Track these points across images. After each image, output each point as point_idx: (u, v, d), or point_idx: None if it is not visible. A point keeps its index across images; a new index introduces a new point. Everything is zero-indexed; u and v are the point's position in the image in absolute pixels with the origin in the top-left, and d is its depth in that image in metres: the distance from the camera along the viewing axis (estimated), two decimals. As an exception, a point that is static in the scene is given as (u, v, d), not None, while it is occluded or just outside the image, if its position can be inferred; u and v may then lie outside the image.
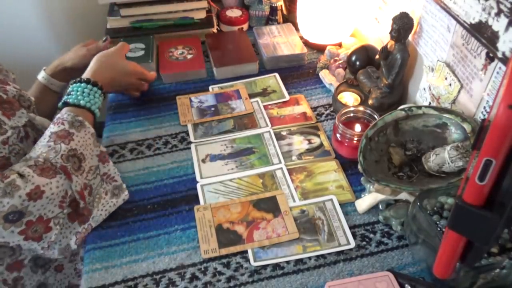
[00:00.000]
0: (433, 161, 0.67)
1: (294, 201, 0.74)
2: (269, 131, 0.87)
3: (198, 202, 0.74)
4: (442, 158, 0.65)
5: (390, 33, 0.82)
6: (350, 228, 0.69)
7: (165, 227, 0.71)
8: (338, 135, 0.79)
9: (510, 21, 0.57)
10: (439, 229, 0.57)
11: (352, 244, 0.67)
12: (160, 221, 0.72)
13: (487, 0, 0.61)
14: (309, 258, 0.66)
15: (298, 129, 0.88)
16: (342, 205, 0.73)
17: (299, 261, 0.66)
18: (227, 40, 1.11)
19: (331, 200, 0.73)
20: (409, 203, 0.68)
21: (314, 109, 0.93)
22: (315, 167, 0.79)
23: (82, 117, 0.73)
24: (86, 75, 0.82)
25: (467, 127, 0.67)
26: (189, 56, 1.05)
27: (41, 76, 0.95)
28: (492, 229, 0.40)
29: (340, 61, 0.99)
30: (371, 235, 0.69)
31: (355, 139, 0.76)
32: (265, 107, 0.93)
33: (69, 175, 0.65)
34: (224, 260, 0.66)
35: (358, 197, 0.74)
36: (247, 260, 0.66)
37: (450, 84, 0.74)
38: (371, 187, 0.72)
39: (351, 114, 0.81)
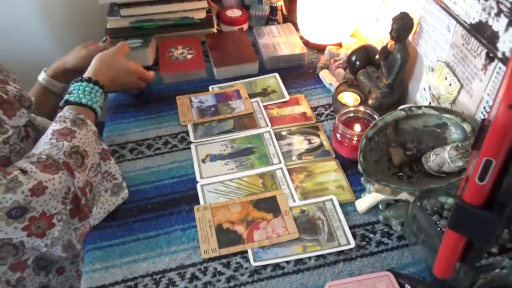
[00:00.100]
0: (433, 161, 0.67)
1: (294, 201, 0.74)
2: (269, 131, 0.87)
3: (198, 202, 0.74)
4: (442, 158, 0.65)
5: (390, 33, 0.82)
6: (350, 228, 0.69)
7: (165, 227, 0.71)
8: (338, 135, 0.79)
9: (510, 21, 0.57)
10: (439, 229, 0.57)
11: (352, 244, 0.67)
12: (160, 221, 0.72)
13: (487, 0, 0.61)
14: (309, 258, 0.66)
15: (298, 129, 0.88)
16: (342, 205, 0.73)
17: (299, 261, 0.66)
18: (227, 40, 1.11)
19: (331, 200, 0.73)
20: (409, 203, 0.68)
21: (314, 109, 0.93)
22: (315, 167, 0.79)
23: (83, 115, 0.74)
24: (87, 74, 0.82)
25: (467, 127, 0.67)
26: (189, 56, 1.05)
27: (42, 77, 0.95)
28: (492, 229, 0.40)
29: (340, 61, 0.99)
30: (371, 235, 0.69)
31: (355, 139, 0.76)
32: (265, 107, 0.93)
33: (71, 171, 0.65)
34: (224, 260, 0.66)
35: (358, 197, 0.74)
36: (247, 260, 0.66)
37: (450, 84, 0.74)
38: (371, 187, 0.72)
39: (351, 114, 0.81)
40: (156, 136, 0.87)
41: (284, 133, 0.87)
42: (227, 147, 0.84)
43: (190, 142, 0.85)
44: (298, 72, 1.04)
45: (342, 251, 0.66)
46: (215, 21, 1.15)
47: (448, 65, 0.74)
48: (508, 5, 0.57)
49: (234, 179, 0.78)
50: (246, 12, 1.19)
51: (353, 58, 0.95)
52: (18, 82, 0.83)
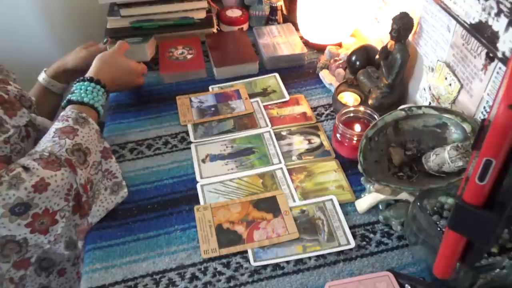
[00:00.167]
0: (433, 161, 0.67)
1: (294, 201, 0.74)
2: (269, 131, 0.87)
3: (198, 202, 0.74)
4: (442, 158, 0.65)
5: (390, 33, 0.82)
6: (350, 228, 0.69)
7: (165, 227, 0.71)
8: (338, 135, 0.79)
9: (510, 21, 0.57)
10: (439, 229, 0.57)
11: (352, 244, 0.67)
12: (160, 221, 0.72)
13: (487, 0, 0.61)
14: (309, 258, 0.66)
15: (298, 129, 0.88)
16: (342, 205, 0.73)
17: (299, 261, 0.66)
18: (227, 40, 1.11)
19: (331, 200, 0.73)
20: (409, 203, 0.68)
21: (314, 109, 0.93)
22: (315, 167, 0.79)
23: (86, 114, 0.74)
24: (89, 74, 0.83)
25: (467, 127, 0.67)
26: (189, 56, 1.05)
27: (42, 77, 0.95)
28: (492, 229, 0.40)
29: (340, 61, 0.99)
30: (371, 235, 0.69)
31: (355, 139, 0.76)
32: (265, 107, 0.93)
33: (73, 168, 0.66)
34: (224, 260, 0.66)
35: (358, 197, 0.74)
36: (247, 260, 0.66)
37: (450, 84, 0.74)
38: (371, 187, 0.72)
39: (351, 114, 0.81)
40: (156, 136, 0.87)
41: (284, 133, 0.87)
42: (227, 147, 0.84)
43: (190, 142, 0.85)
44: (298, 72, 1.04)
45: (342, 251, 0.66)
46: (215, 21, 1.15)
47: (448, 65, 0.74)
48: (508, 5, 0.57)
49: (234, 179, 0.78)
50: (246, 12, 1.19)
51: (353, 58, 0.95)
52: (18, 82, 0.83)
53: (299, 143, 0.84)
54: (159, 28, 1.09)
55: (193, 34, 1.12)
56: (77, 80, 0.81)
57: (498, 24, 0.60)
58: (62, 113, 0.74)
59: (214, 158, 0.82)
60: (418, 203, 0.61)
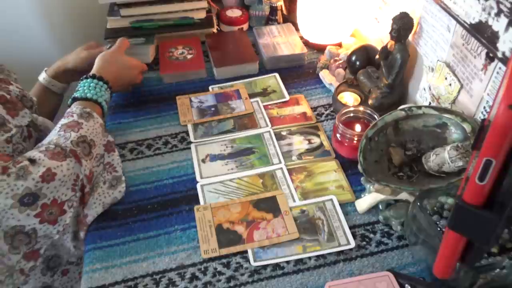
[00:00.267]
0: (433, 161, 0.67)
1: (294, 201, 0.74)
2: (269, 131, 0.87)
3: (198, 202, 0.74)
4: (442, 158, 0.65)
5: (390, 33, 0.82)
6: (350, 228, 0.69)
7: (165, 227, 0.71)
8: (338, 135, 0.79)
9: (510, 21, 0.57)
10: (439, 229, 0.57)
11: (352, 244, 0.67)
12: (160, 221, 0.72)
13: (487, 0, 0.61)
14: (309, 258, 0.66)
15: (298, 129, 0.88)
16: (342, 205, 0.73)
17: (299, 261, 0.66)
18: (227, 40, 1.11)
19: (331, 200, 0.73)
20: (409, 203, 0.68)
21: (314, 109, 0.93)
22: (315, 167, 0.79)
23: (90, 109, 0.76)
24: (91, 72, 0.84)
25: (467, 127, 0.67)
26: (189, 56, 1.05)
27: (42, 77, 0.95)
28: (492, 229, 0.40)
29: (340, 61, 0.99)
30: (371, 235, 0.69)
31: (355, 139, 0.77)
32: (265, 107, 0.93)
33: (78, 159, 0.67)
34: (224, 260, 0.66)
35: (358, 197, 0.74)
36: (247, 260, 0.66)
37: (450, 84, 0.74)
38: (371, 187, 0.72)
39: (351, 114, 0.81)
40: (156, 136, 0.87)
41: (284, 133, 0.87)
42: (227, 147, 0.84)
43: (190, 142, 0.85)
44: (298, 72, 1.04)
45: (342, 251, 0.66)
46: (215, 21, 1.15)
47: (448, 65, 0.74)
48: (508, 5, 0.57)
49: (234, 179, 0.78)
50: (246, 12, 1.19)
51: (353, 58, 0.95)
52: (19, 82, 0.83)
53: (299, 143, 0.84)
54: (159, 28, 1.09)
55: (193, 34, 1.12)
56: (81, 78, 0.83)
57: (498, 24, 0.60)
58: (67, 110, 0.76)
59: (214, 158, 0.82)
60: (418, 203, 0.61)
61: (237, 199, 0.74)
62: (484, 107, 0.66)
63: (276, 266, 0.65)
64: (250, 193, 0.75)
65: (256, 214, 0.71)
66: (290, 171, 0.79)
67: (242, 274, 0.64)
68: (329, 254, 0.66)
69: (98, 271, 0.65)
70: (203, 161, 0.81)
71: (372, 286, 0.59)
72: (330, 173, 0.78)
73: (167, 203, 0.75)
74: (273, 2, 1.16)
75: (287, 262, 0.66)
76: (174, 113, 0.93)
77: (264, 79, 1.01)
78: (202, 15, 1.11)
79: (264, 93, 0.97)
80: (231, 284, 0.63)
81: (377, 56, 0.88)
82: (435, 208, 0.60)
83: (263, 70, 1.04)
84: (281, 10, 1.19)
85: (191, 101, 0.95)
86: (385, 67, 0.85)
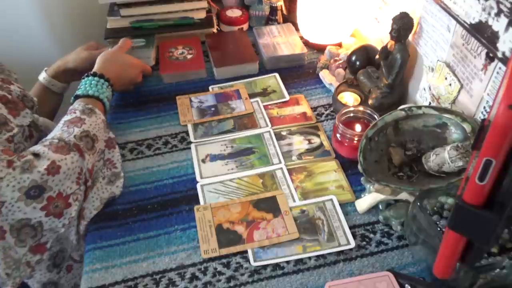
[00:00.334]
0: (433, 161, 0.67)
1: (294, 201, 0.74)
2: (269, 131, 0.87)
3: (198, 202, 0.74)
4: (442, 158, 0.65)
5: (390, 33, 0.82)
6: (350, 228, 0.69)
7: (165, 227, 0.71)
8: (338, 135, 0.79)
9: (510, 21, 0.57)
10: (439, 229, 0.57)
11: (352, 244, 0.67)
12: (160, 221, 0.72)
13: (487, 0, 0.61)
14: (309, 258, 0.66)
15: (298, 129, 0.88)
16: (342, 205, 0.73)
17: (299, 261, 0.66)
18: (227, 40, 1.11)
19: (331, 200, 0.73)
20: (409, 203, 0.68)
21: (314, 109, 0.93)
22: (315, 167, 0.79)
23: (92, 105, 0.77)
24: (93, 71, 0.85)
25: (467, 127, 0.67)
26: (189, 56, 1.05)
27: (42, 77, 0.95)
28: (492, 229, 0.40)
29: (340, 61, 0.99)
30: (371, 235, 0.69)
31: (355, 139, 0.77)
32: (265, 107, 0.93)
33: (82, 153, 0.68)
34: (224, 260, 0.66)
35: (358, 197, 0.74)
36: (247, 260, 0.66)
37: (450, 84, 0.74)
38: (371, 187, 0.72)
39: (351, 114, 0.81)
40: (156, 136, 0.87)
41: (284, 133, 0.87)
42: (227, 147, 0.84)
43: (190, 142, 0.85)
44: (298, 72, 1.04)
45: (342, 251, 0.66)
46: (215, 21, 1.15)
47: (448, 65, 0.74)
48: (508, 5, 0.57)
49: (234, 179, 0.78)
50: (246, 12, 1.19)
51: (353, 58, 0.95)
52: (19, 82, 0.83)
53: (299, 143, 0.84)
54: (159, 28, 1.09)
55: (193, 34, 1.12)
56: (82, 77, 0.83)
57: (498, 24, 0.60)
58: (70, 107, 0.77)
59: (214, 158, 0.82)
60: (418, 203, 0.61)
61: (237, 199, 0.74)
62: (484, 107, 0.66)
63: (276, 266, 0.65)
64: (250, 193, 0.75)
65: (256, 214, 0.71)
66: (290, 171, 0.79)
67: (242, 274, 0.64)
68: (329, 254, 0.66)
69: (98, 271, 0.65)
70: (203, 161, 0.81)
71: (372, 286, 0.59)
72: (330, 173, 0.78)
73: (167, 203, 0.75)
74: (273, 2, 1.16)
75: (287, 262, 0.66)
76: (174, 113, 0.93)
77: (264, 79, 1.01)
78: (202, 15, 1.11)
79: (264, 93, 0.97)
80: (231, 284, 0.63)
81: (377, 56, 0.88)
82: (435, 208, 0.60)
83: (263, 70, 1.04)
84: (281, 10, 1.19)
85: (191, 101, 0.95)
86: (385, 67, 0.85)
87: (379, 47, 0.89)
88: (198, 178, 0.78)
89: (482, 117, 0.67)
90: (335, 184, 0.76)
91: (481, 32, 0.64)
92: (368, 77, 0.90)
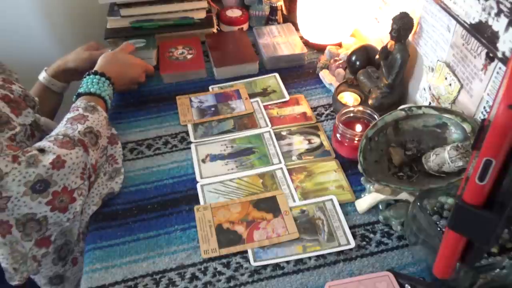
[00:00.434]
0: (433, 161, 0.67)
1: (294, 201, 0.74)
2: (269, 131, 0.87)
3: (198, 202, 0.74)
4: (442, 158, 0.65)
5: (390, 33, 0.82)
6: (350, 228, 0.69)
7: (165, 227, 0.71)
8: (338, 135, 0.79)
9: (510, 21, 0.57)
10: (439, 229, 0.57)
11: (352, 244, 0.67)
12: (160, 221, 0.72)
13: (487, 0, 0.61)
14: (309, 258, 0.66)
15: (298, 129, 0.88)
16: (342, 205, 0.73)
17: (299, 261, 0.66)
18: (227, 40, 1.11)
19: (331, 200, 0.73)
20: (409, 203, 0.68)
21: (314, 109, 0.93)
22: (315, 167, 0.79)
23: (94, 103, 0.78)
24: (94, 69, 0.86)
25: (467, 127, 0.67)
26: (189, 56, 1.05)
27: (42, 76, 0.95)
28: (492, 229, 0.40)
29: (340, 61, 0.99)
30: (371, 235, 0.69)
31: (355, 139, 0.77)
32: (265, 107, 0.93)
33: (86, 148, 0.69)
34: (224, 260, 0.66)
35: (358, 197, 0.74)
36: (247, 260, 0.66)
37: (450, 84, 0.74)
38: (371, 187, 0.72)
39: (351, 114, 0.81)
40: (156, 136, 0.87)
41: (284, 133, 0.87)
42: (227, 147, 0.84)
43: (190, 142, 0.85)
44: (298, 72, 1.04)
45: (342, 251, 0.66)
46: (215, 21, 1.15)
47: (448, 65, 0.74)
48: (508, 5, 0.57)
49: (234, 179, 0.78)
50: (246, 12, 1.19)
51: (353, 58, 0.95)
52: (20, 81, 0.83)
53: (299, 143, 0.84)
54: (159, 28, 1.09)
55: (193, 34, 1.12)
56: (84, 76, 0.84)
57: (498, 24, 0.60)
58: (72, 105, 0.78)
59: (214, 158, 0.82)
60: (418, 203, 0.61)
61: (237, 199, 0.74)
62: (484, 107, 0.66)
63: (276, 266, 0.65)
64: (250, 193, 0.75)
65: (256, 214, 0.71)
66: (290, 171, 0.79)
67: (242, 274, 0.64)
68: (329, 254, 0.66)
69: (98, 271, 0.65)
70: (203, 161, 0.81)
71: (372, 286, 0.59)
72: (330, 173, 0.78)
73: (167, 203, 0.75)
74: (273, 2, 1.16)
75: (287, 262, 0.66)
76: (174, 113, 0.93)
77: (264, 79, 1.01)
78: (202, 15, 1.11)
79: (264, 93, 0.97)
80: (231, 284, 0.63)
81: (377, 56, 0.88)
82: (435, 208, 0.60)
83: (263, 70, 1.04)
84: (281, 10, 1.19)
85: (191, 101, 0.95)
86: (385, 67, 0.85)
87: (379, 47, 0.89)
88: (198, 178, 0.78)
89: (482, 117, 0.67)
90: (335, 184, 0.76)
91: (481, 32, 0.64)
92: (368, 77, 0.90)
